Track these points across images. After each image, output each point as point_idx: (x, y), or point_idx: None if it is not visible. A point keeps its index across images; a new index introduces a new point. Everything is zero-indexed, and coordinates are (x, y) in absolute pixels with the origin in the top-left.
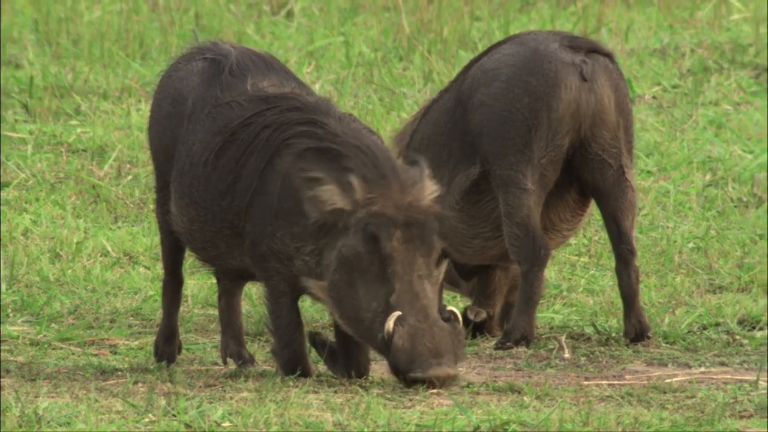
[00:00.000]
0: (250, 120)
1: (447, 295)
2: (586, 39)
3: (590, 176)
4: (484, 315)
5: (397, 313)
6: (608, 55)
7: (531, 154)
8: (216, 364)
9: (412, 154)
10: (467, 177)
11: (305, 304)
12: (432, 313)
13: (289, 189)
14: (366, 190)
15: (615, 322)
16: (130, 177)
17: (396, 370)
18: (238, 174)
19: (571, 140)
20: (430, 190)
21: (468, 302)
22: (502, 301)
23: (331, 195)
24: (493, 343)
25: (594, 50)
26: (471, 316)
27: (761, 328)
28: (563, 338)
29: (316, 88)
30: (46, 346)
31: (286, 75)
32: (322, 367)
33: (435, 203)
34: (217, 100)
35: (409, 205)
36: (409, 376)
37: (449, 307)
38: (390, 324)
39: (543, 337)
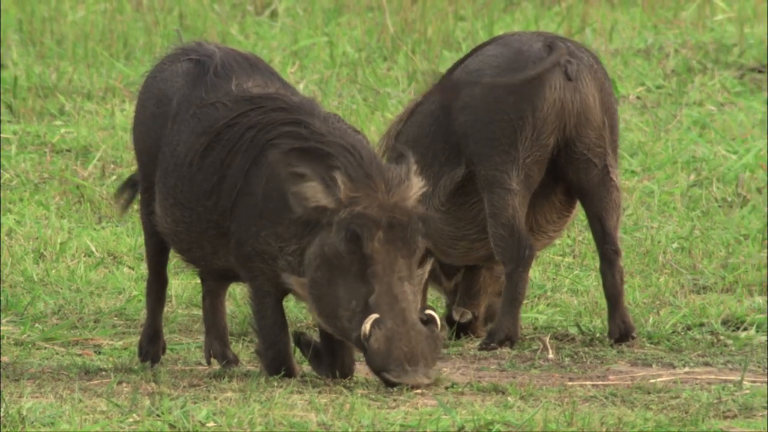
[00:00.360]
0: (235, 120)
1: (432, 295)
2: (570, 40)
3: (575, 176)
4: (469, 315)
5: (375, 316)
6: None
7: (516, 154)
8: (200, 364)
9: (400, 147)
10: (452, 179)
11: (290, 304)
12: (410, 316)
13: (274, 189)
14: (350, 189)
15: (599, 323)
16: (114, 177)
17: (372, 369)
18: (223, 174)
19: (556, 140)
20: (416, 187)
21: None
22: (486, 301)
23: (315, 192)
24: (478, 343)
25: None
26: (456, 317)
27: (745, 329)
28: (547, 339)
29: (300, 88)
30: (30, 346)
31: (271, 75)
32: (306, 367)
33: (420, 203)
34: (202, 101)
35: (393, 206)
36: (383, 376)
37: (428, 310)
38: (367, 326)
39: (527, 337)
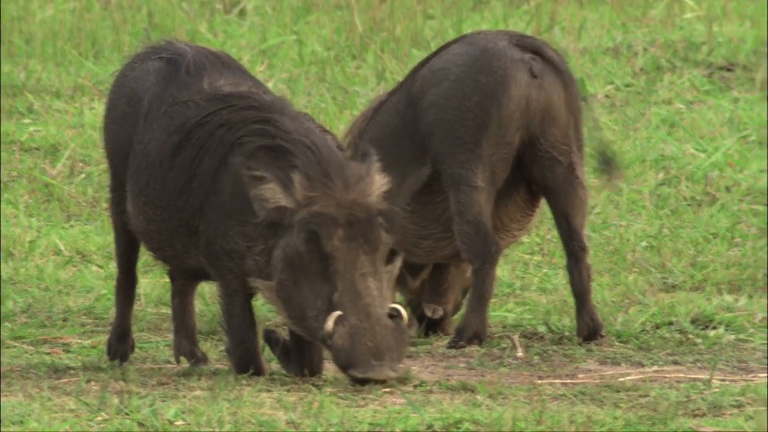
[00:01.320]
0: (206, 119)
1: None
2: (536, 38)
3: (540, 174)
4: (441, 312)
5: (338, 313)
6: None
7: (481, 152)
8: (169, 362)
9: (363, 145)
10: (417, 178)
11: (258, 302)
12: (375, 311)
13: (241, 188)
14: (308, 189)
15: (568, 321)
16: (83, 176)
17: (338, 366)
18: (193, 173)
19: (522, 137)
20: (377, 184)
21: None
22: (455, 299)
23: (273, 193)
24: (446, 341)
25: (540, 51)
26: (428, 313)
27: (714, 327)
28: (516, 337)
29: (269, 86)
30: None
31: (243, 74)
32: (275, 365)
33: (382, 199)
34: (173, 99)
35: (352, 203)
36: (349, 373)
37: (394, 304)
38: (330, 324)
39: (496, 335)
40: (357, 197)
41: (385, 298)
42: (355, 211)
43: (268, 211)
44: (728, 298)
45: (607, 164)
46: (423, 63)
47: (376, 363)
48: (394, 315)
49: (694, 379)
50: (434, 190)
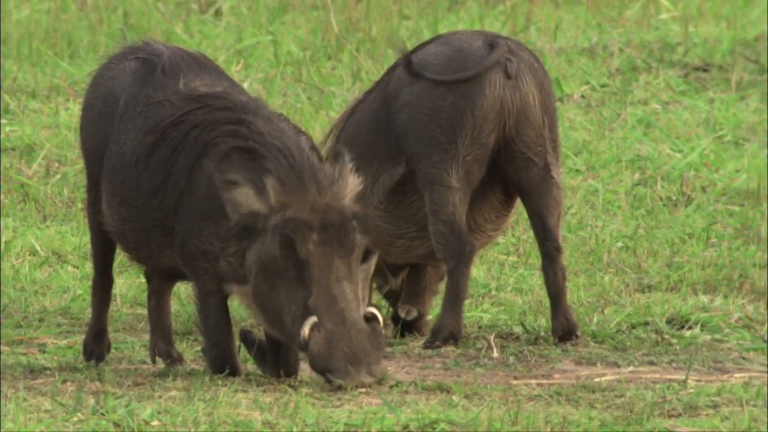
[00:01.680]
0: (181, 119)
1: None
2: (510, 39)
3: (515, 174)
4: (415, 313)
5: (313, 319)
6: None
7: (456, 152)
8: (145, 363)
9: (337, 146)
10: (392, 177)
11: (234, 303)
12: (350, 315)
13: (215, 189)
14: (281, 193)
15: (544, 322)
16: (58, 176)
17: (316, 372)
18: (168, 173)
19: (496, 138)
20: (350, 186)
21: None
22: (432, 299)
23: (246, 198)
24: (422, 342)
25: (514, 52)
26: (402, 314)
27: (690, 328)
28: (492, 337)
29: (245, 86)
30: None
31: (219, 75)
32: (251, 366)
33: (355, 201)
34: (149, 99)
35: (326, 207)
36: (326, 378)
37: (369, 308)
38: (305, 330)
39: (472, 336)
40: (330, 201)
41: (361, 301)
42: (329, 215)
43: (242, 215)
44: (704, 299)
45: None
46: (399, 62)
47: (353, 368)
48: (370, 318)
49: (670, 380)
50: (408, 189)
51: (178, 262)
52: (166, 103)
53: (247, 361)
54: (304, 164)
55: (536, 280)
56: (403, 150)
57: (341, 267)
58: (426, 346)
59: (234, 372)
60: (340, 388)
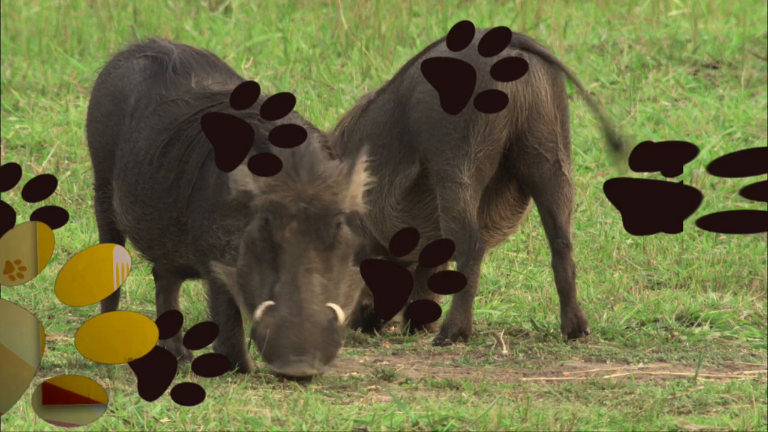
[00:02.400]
0: (195, 117)
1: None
2: (523, 35)
3: (527, 170)
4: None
5: (269, 303)
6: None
7: (468, 149)
8: None
9: (358, 146)
10: (407, 177)
11: None
12: (309, 307)
13: (222, 180)
14: (272, 177)
15: (553, 318)
16: (68, 173)
17: (263, 358)
18: (181, 170)
19: (509, 134)
20: (355, 184)
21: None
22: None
23: (243, 175)
24: (432, 338)
25: (527, 48)
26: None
27: (699, 324)
28: (501, 334)
29: None
30: None
31: (229, 73)
32: (260, 363)
33: (362, 200)
34: (162, 98)
35: (311, 198)
36: (269, 365)
37: (330, 304)
38: (258, 313)
39: (481, 333)
40: (319, 192)
41: (332, 298)
42: (313, 206)
43: (238, 192)
44: (713, 296)
45: (616, 146)
46: (412, 62)
47: (295, 358)
48: (331, 315)
49: (680, 377)
50: (424, 188)
51: (192, 260)
52: (179, 101)
53: (256, 358)
54: (305, 154)
55: (546, 277)
56: (416, 148)
57: (316, 259)
58: (435, 343)
59: (243, 369)
60: (279, 376)
